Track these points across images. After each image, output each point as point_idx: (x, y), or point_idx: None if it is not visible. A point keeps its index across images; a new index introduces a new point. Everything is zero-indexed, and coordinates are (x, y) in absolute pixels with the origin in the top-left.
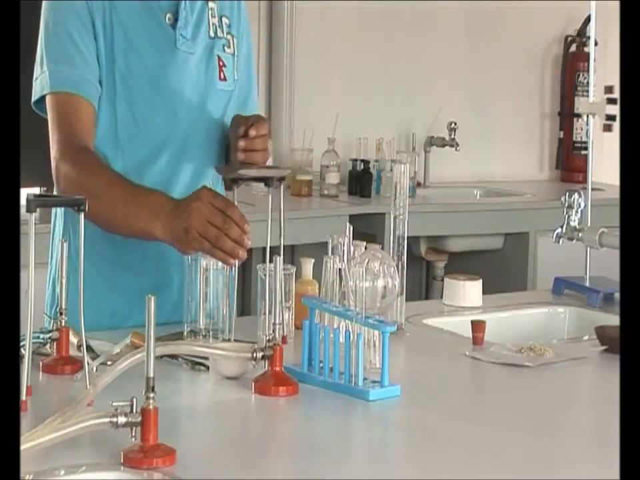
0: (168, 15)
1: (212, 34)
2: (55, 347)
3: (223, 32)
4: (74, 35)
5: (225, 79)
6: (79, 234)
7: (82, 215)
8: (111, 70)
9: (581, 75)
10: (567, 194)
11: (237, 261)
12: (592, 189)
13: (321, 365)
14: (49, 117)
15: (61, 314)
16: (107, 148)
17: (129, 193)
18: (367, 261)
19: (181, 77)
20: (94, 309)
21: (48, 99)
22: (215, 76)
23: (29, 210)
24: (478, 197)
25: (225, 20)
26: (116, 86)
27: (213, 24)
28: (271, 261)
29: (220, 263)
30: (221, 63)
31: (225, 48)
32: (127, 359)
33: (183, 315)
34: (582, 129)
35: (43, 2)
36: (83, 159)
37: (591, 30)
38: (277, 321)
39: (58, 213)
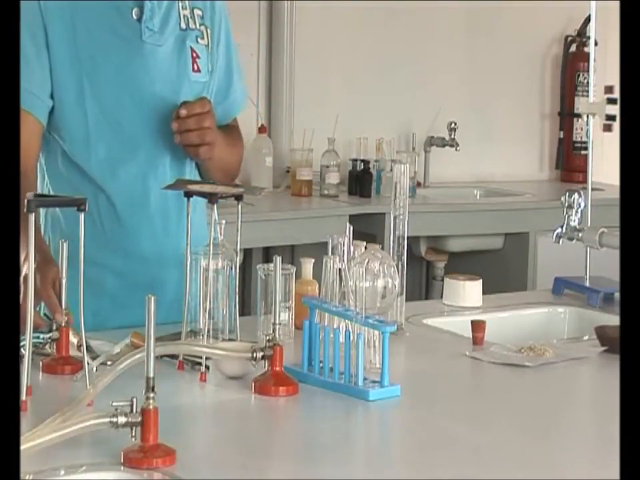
0: (135, 10)
1: (183, 25)
2: (54, 347)
3: (195, 23)
4: (26, 48)
5: (198, 70)
6: (59, 232)
7: (82, 215)
8: (77, 71)
9: (581, 75)
10: (567, 194)
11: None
12: (592, 189)
13: (321, 365)
14: None
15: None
16: (78, 149)
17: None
18: (366, 260)
19: (149, 70)
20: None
21: None
22: (187, 67)
23: (29, 210)
24: (478, 197)
25: (197, 11)
26: (83, 87)
27: (184, 15)
28: (270, 261)
29: (220, 263)
30: (194, 55)
31: (199, 39)
32: (127, 358)
33: (180, 315)
34: (582, 129)
35: None
36: None
37: (591, 30)
38: (277, 321)
39: (41, 212)
